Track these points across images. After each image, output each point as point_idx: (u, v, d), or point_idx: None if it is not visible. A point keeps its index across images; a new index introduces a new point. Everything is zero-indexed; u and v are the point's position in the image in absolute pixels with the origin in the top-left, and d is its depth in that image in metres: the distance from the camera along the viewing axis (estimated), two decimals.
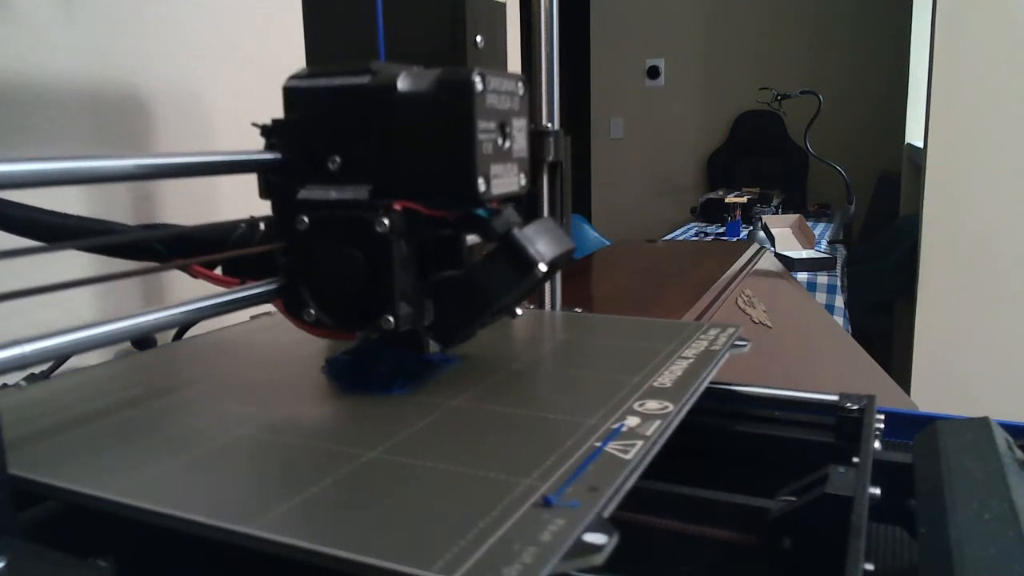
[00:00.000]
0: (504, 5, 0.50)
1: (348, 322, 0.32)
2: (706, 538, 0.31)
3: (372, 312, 0.31)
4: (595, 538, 0.20)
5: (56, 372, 0.53)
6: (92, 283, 0.29)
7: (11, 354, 0.23)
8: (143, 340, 0.60)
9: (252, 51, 0.80)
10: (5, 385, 0.45)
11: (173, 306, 0.30)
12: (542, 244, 0.31)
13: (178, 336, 0.61)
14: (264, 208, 0.35)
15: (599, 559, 0.20)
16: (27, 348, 0.24)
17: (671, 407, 0.30)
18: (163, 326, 0.29)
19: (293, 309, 0.33)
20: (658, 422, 0.29)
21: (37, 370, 0.52)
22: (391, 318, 0.31)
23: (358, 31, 0.49)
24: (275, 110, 0.36)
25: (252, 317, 0.50)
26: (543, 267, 0.30)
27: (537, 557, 0.19)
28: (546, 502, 0.22)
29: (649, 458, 0.26)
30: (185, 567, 0.27)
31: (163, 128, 0.72)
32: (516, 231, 0.30)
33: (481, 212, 0.31)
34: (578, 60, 3.46)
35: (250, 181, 0.35)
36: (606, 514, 0.22)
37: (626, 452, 0.26)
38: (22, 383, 0.37)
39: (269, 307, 0.56)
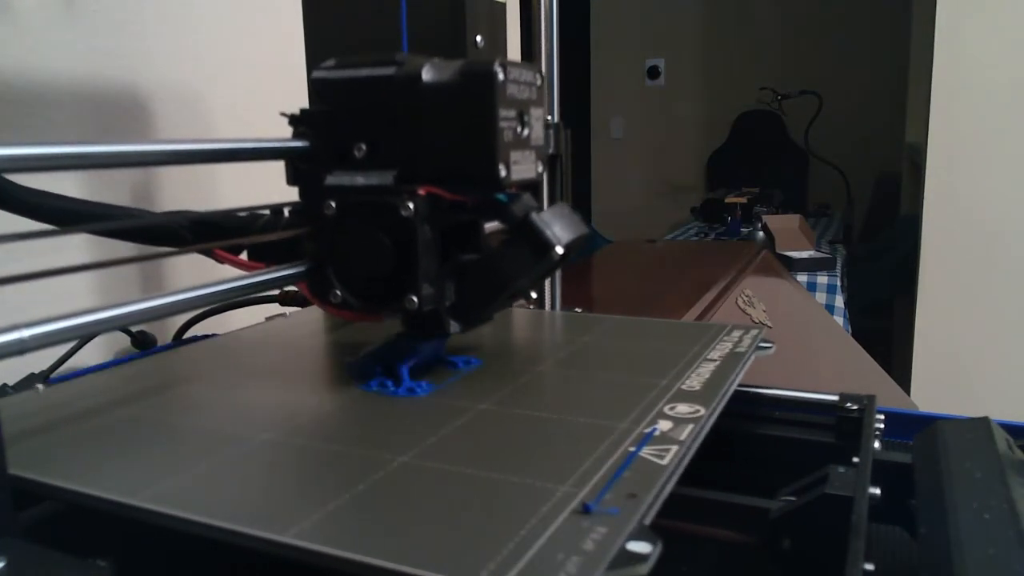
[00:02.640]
0: (504, 5, 0.50)
1: (373, 303, 0.33)
2: (706, 538, 0.31)
3: (396, 293, 0.32)
4: (639, 547, 0.20)
5: (56, 372, 0.53)
6: (91, 268, 0.29)
7: (10, 339, 0.23)
8: (143, 339, 0.60)
9: (252, 51, 0.80)
10: (5, 385, 0.45)
11: (198, 287, 0.30)
12: (558, 228, 0.32)
13: (179, 335, 0.61)
14: (263, 192, 0.35)
15: (644, 569, 0.19)
16: (26, 333, 0.23)
17: (703, 411, 0.30)
18: (185, 308, 0.29)
19: (319, 292, 0.34)
20: (691, 426, 0.28)
21: (37, 370, 0.52)
22: (415, 298, 0.32)
23: (358, 30, 0.49)
24: (276, 109, 0.36)
25: (267, 318, 0.50)
26: (560, 249, 0.31)
27: (581, 567, 0.19)
28: (585, 509, 0.22)
29: (685, 463, 0.25)
30: (185, 568, 0.27)
31: (164, 128, 0.72)
32: (534, 215, 0.32)
33: (501, 197, 0.32)
34: (578, 60, 3.46)
35: (248, 173, 0.35)
36: (647, 521, 0.22)
37: (661, 457, 0.25)
38: (39, 387, 0.37)
39: (277, 308, 0.56)
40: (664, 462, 0.25)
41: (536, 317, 0.48)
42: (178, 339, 0.60)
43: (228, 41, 0.78)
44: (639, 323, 0.45)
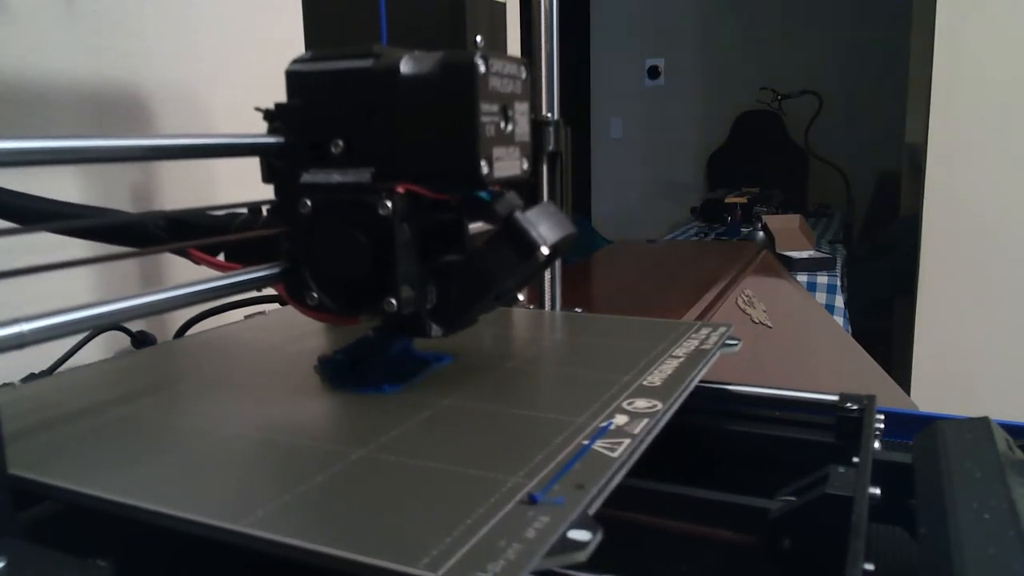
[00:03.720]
0: (504, 5, 0.50)
1: (350, 306, 0.32)
2: (706, 538, 0.31)
3: (374, 295, 0.31)
4: (579, 535, 0.20)
5: (57, 371, 0.53)
6: (88, 263, 0.29)
7: (9, 332, 0.23)
8: (143, 338, 0.60)
9: (252, 51, 0.80)
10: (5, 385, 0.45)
11: (174, 287, 0.30)
12: (544, 228, 0.30)
13: (180, 334, 0.61)
14: (262, 192, 0.35)
15: (583, 556, 0.20)
16: (24, 327, 0.24)
17: (660, 405, 0.30)
18: (163, 308, 0.29)
19: (295, 293, 0.33)
20: (646, 420, 0.29)
21: (37, 370, 0.52)
22: (393, 301, 0.31)
23: (358, 30, 0.49)
24: None
25: (246, 316, 0.50)
26: (545, 250, 0.30)
27: (521, 553, 0.19)
28: (532, 499, 0.22)
29: (636, 456, 0.26)
30: (184, 567, 0.27)
31: (164, 128, 0.72)
32: (518, 214, 0.30)
33: (483, 195, 0.31)
34: (578, 60, 3.46)
35: (246, 164, 0.35)
36: (591, 511, 0.22)
37: (613, 450, 0.26)
38: (15, 383, 0.37)
39: (263, 307, 0.56)
40: (615, 455, 0.26)
41: (512, 316, 0.49)
42: (179, 336, 0.60)
43: (228, 41, 0.78)
44: (611, 321, 0.46)
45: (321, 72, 0.32)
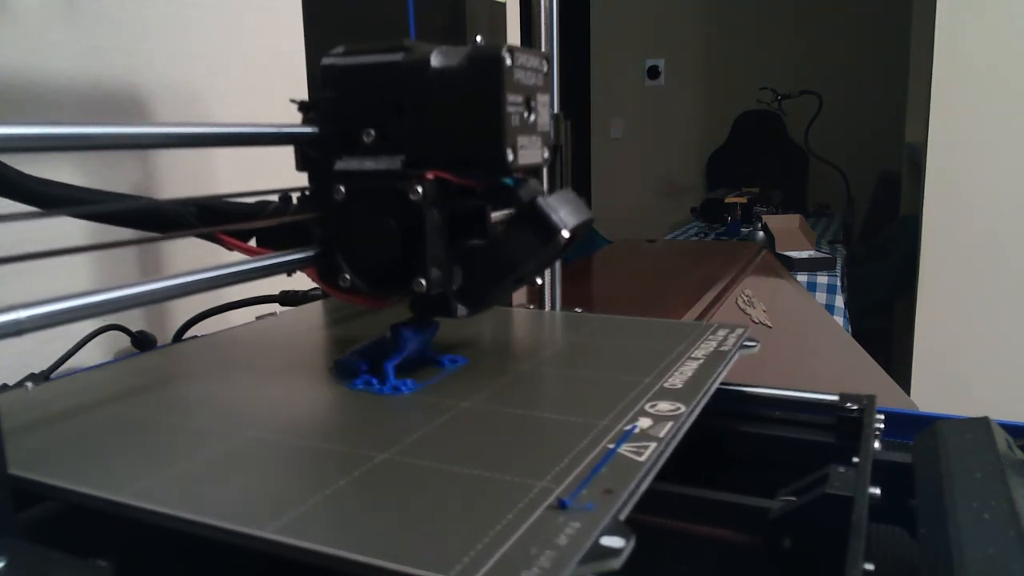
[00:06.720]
0: (504, 5, 0.50)
1: (382, 287, 0.33)
2: (706, 538, 0.31)
3: (405, 277, 0.32)
4: (612, 541, 0.20)
5: (56, 373, 0.53)
6: (89, 250, 0.29)
7: (7, 319, 0.23)
8: (142, 338, 0.60)
9: (252, 51, 0.80)
10: (6, 385, 0.45)
11: (205, 270, 0.30)
12: (564, 212, 0.32)
13: (179, 334, 0.61)
14: (263, 185, 0.35)
15: (617, 563, 0.20)
16: (23, 314, 0.23)
17: (683, 408, 0.30)
18: (193, 290, 0.29)
19: (327, 276, 0.34)
20: (671, 423, 0.29)
21: (38, 370, 0.52)
22: (423, 281, 0.32)
23: (358, 31, 0.49)
24: (276, 110, 0.36)
25: (257, 318, 0.50)
26: (566, 233, 0.31)
27: (554, 561, 0.19)
28: (561, 505, 0.22)
29: (663, 460, 0.26)
30: (184, 567, 0.27)
31: None
32: (541, 199, 0.32)
33: (508, 181, 0.33)
34: (578, 60, 3.46)
35: (248, 161, 0.35)
36: (622, 517, 0.22)
37: (640, 454, 0.26)
38: (28, 385, 0.37)
39: (274, 308, 0.56)
40: (642, 459, 0.25)
41: (523, 316, 0.48)
42: (178, 340, 0.60)
43: (228, 41, 0.78)
44: (626, 322, 0.46)
45: (354, 66, 0.33)
